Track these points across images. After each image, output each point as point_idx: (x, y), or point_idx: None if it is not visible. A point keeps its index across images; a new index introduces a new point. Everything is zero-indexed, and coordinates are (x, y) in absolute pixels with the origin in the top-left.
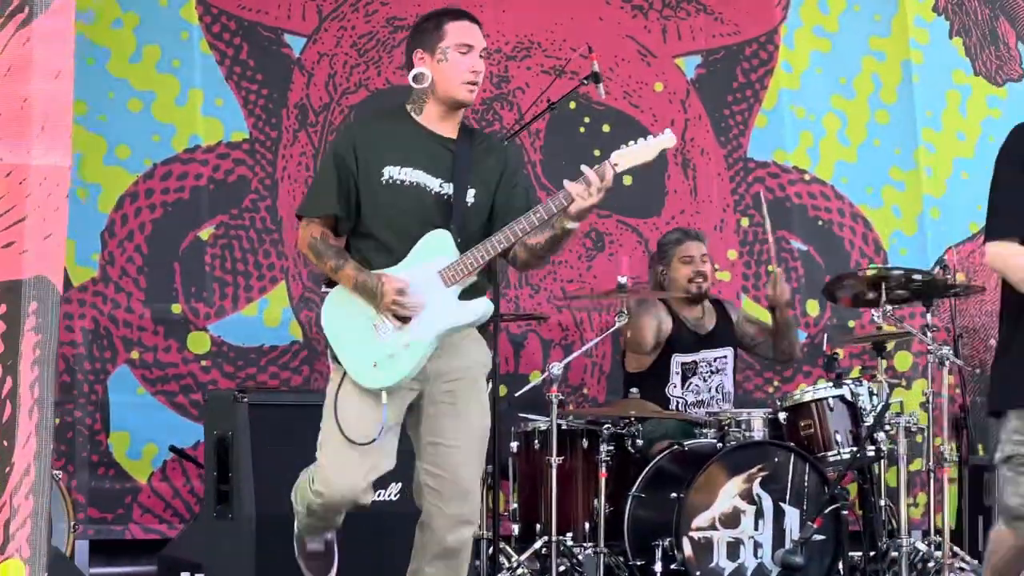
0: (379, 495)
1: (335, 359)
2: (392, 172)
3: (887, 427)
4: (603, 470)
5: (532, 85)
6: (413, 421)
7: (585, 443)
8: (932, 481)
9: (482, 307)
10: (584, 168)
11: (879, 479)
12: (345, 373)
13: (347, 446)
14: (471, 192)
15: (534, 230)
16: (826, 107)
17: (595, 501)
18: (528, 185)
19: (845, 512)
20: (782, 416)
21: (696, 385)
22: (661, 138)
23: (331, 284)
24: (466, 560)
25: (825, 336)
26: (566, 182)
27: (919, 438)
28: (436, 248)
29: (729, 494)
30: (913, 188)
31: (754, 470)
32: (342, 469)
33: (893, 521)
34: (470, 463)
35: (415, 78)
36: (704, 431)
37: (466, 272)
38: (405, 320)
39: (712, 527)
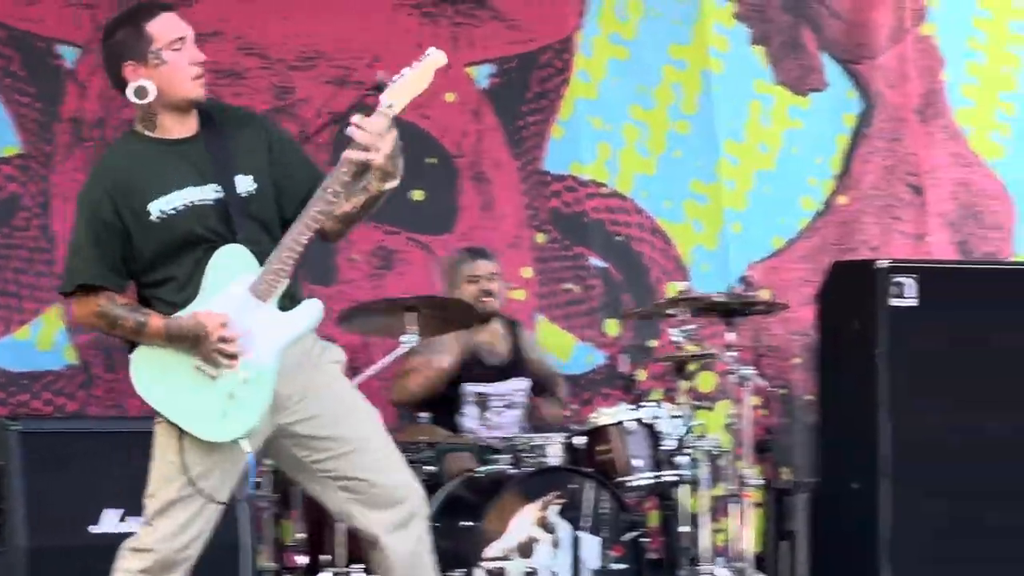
0: None
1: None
2: (160, 205)
3: (689, 450)
4: None
5: (316, 96)
6: (286, 455)
7: None
8: (735, 506)
9: (314, 308)
10: (352, 128)
11: (681, 504)
12: (182, 433)
13: (209, 509)
14: (246, 180)
15: (334, 205)
16: (624, 118)
17: None
18: (304, 152)
19: (645, 539)
20: (580, 440)
21: (491, 420)
22: (428, 59)
23: (133, 347)
24: (430, 554)
25: (624, 357)
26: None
27: (722, 461)
28: (233, 265)
29: (524, 522)
30: (714, 202)
31: (550, 497)
32: (188, 531)
33: (695, 548)
34: (376, 457)
35: (136, 93)
36: (498, 457)
37: (277, 280)
38: (234, 356)
39: (507, 557)
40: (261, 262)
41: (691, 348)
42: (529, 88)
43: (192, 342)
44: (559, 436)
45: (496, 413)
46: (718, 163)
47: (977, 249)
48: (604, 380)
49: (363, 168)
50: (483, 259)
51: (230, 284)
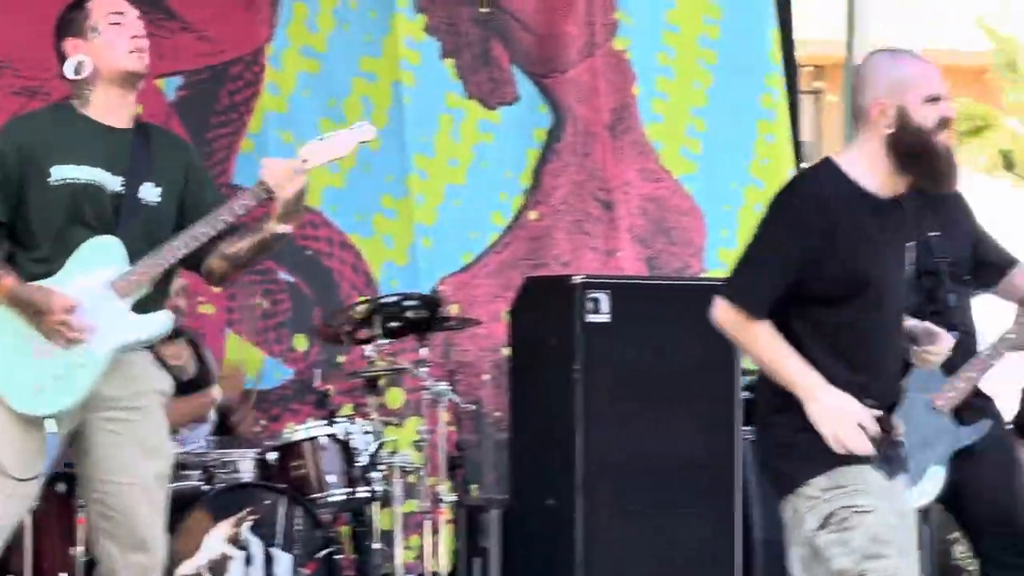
0: None
1: None
2: (64, 171)
3: (381, 467)
4: (81, 516)
5: (2, 108)
6: (78, 452)
7: (62, 487)
8: (428, 523)
9: (160, 321)
10: (265, 169)
11: (374, 521)
12: None
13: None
14: (155, 190)
15: (224, 235)
16: (314, 131)
17: (72, 550)
18: (216, 188)
19: (338, 556)
20: (272, 456)
21: (182, 434)
22: (359, 130)
23: None
24: None
25: (315, 372)
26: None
27: (413, 478)
28: (102, 256)
29: (216, 539)
30: (404, 216)
31: (243, 514)
32: None
33: (388, 564)
34: (149, 504)
35: (74, 69)
36: (188, 473)
37: (140, 282)
38: (72, 340)
39: (198, 575)
40: (132, 264)
41: (382, 363)
42: (219, 101)
43: (34, 314)
44: (251, 452)
45: (189, 429)
46: (408, 177)
47: (667, 265)
48: (294, 395)
49: (263, 203)
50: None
51: (95, 271)
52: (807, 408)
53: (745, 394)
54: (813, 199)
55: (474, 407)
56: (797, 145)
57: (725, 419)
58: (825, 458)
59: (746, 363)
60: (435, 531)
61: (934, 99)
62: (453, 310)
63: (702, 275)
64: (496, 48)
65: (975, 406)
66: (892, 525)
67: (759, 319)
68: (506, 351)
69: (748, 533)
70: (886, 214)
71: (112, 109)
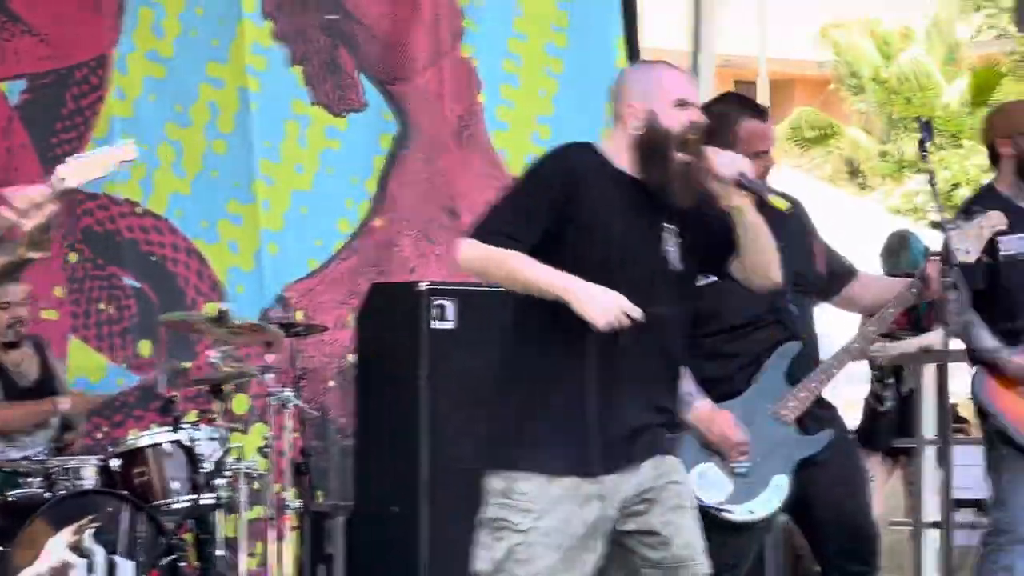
0: None
1: None
2: None
3: (226, 473)
4: None
5: None
6: None
7: None
8: (272, 529)
9: None
10: (14, 198)
11: (219, 528)
12: None
13: None
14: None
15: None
16: (160, 137)
17: None
18: None
19: (182, 564)
20: (116, 463)
21: (21, 441)
22: (120, 149)
23: None
24: None
25: (161, 378)
26: None
27: (258, 485)
28: None
29: (58, 547)
30: (251, 222)
31: (84, 521)
32: None
33: (232, 572)
34: None
35: None
36: (29, 480)
37: None
38: None
39: None
40: None
41: (227, 369)
42: (64, 105)
43: None
44: (94, 458)
45: (27, 433)
46: (254, 183)
47: None
48: (137, 402)
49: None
50: (13, 284)
51: None
52: (569, 299)
53: None
54: (560, 159)
55: (319, 413)
56: None
57: None
58: (508, 456)
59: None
60: (280, 538)
61: (682, 103)
62: (299, 316)
63: None
64: (343, 55)
65: (818, 416)
66: (535, 545)
67: (506, 248)
68: (352, 357)
69: None
70: (634, 190)
71: None
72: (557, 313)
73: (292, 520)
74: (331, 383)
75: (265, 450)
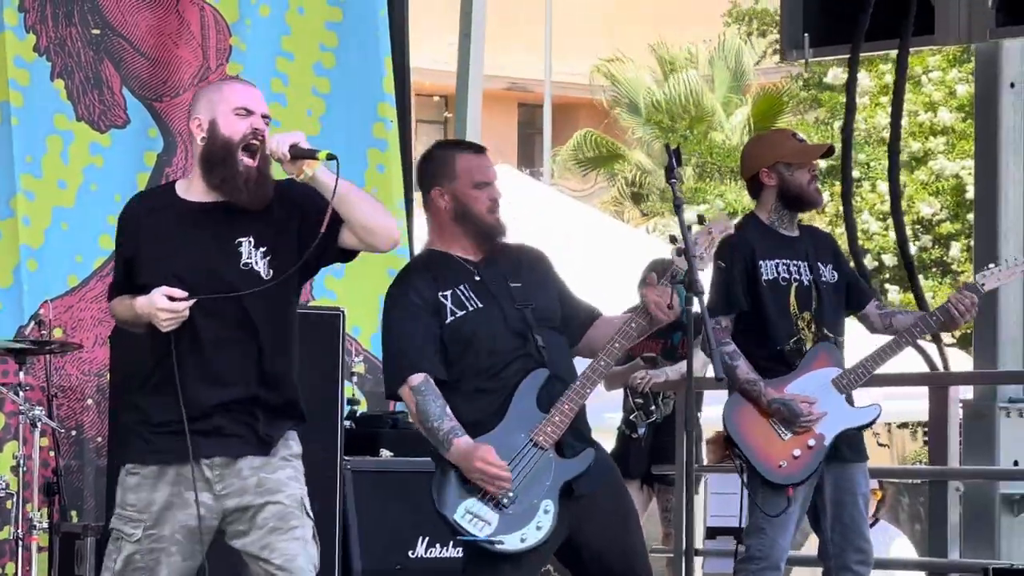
0: None
1: None
2: None
3: None
4: None
5: None
6: None
7: None
8: (21, 549)
9: None
10: None
11: None
12: None
13: None
14: None
15: None
16: None
17: None
18: None
19: None
20: None
21: None
22: None
23: None
24: None
25: None
26: None
27: (9, 504)
28: None
29: None
30: (10, 238)
31: None
32: None
33: None
34: None
35: None
36: None
37: None
38: None
39: None
40: None
41: None
42: None
43: None
44: None
45: None
46: (15, 198)
47: None
48: None
49: None
50: None
51: None
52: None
53: (347, 423)
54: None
55: (75, 432)
56: (408, 174)
57: (330, 449)
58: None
59: (349, 392)
60: (28, 558)
61: (244, 112)
62: (58, 333)
63: (309, 303)
64: (108, 70)
65: (575, 439)
66: (151, 552)
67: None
68: (109, 376)
69: (347, 564)
70: (198, 216)
71: None
72: None
73: (41, 540)
74: (89, 401)
75: (16, 468)
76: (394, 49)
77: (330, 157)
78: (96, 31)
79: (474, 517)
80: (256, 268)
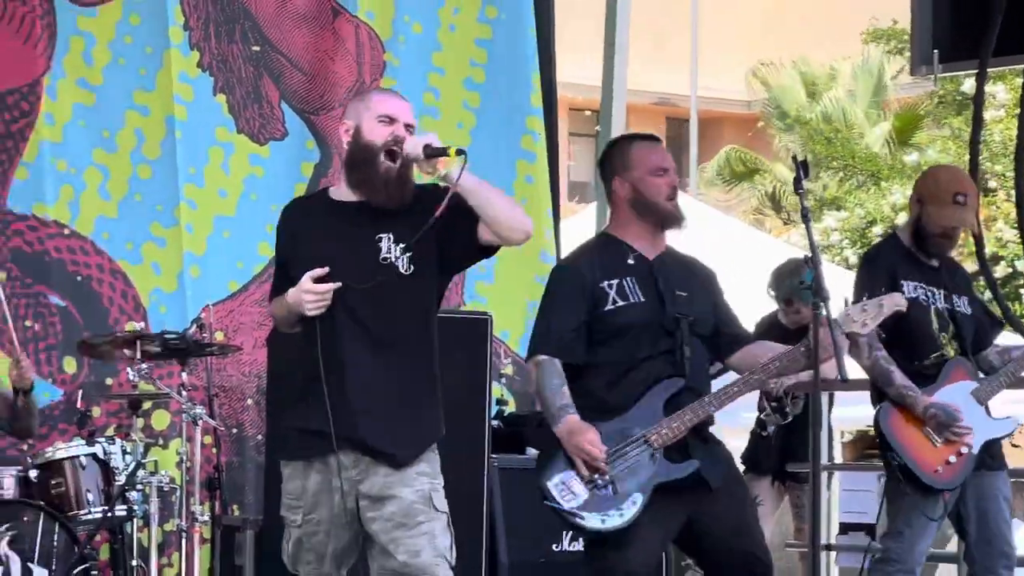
0: None
1: None
2: None
3: (140, 486)
4: None
5: None
6: None
7: None
8: (185, 541)
9: None
10: None
11: (132, 539)
12: None
13: None
14: None
15: None
16: (88, 161)
17: None
18: None
19: (95, 573)
20: (33, 474)
21: None
22: None
23: None
24: None
25: (80, 393)
26: None
27: (173, 498)
28: None
29: None
30: (174, 245)
31: (2, 529)
32: None
33: None
34: None
35: None
36: None
37: None
38: None
39: None
40: None
41: (146, 387)
42: None
43: None
44: (14, 469)
45: None
46: (178, 207)
47: None
48: (62, 415)
49: None
50: None
51: None
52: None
53: (495, 423)
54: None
55: (235, 430)
56: (555, 185)
57: (477, 446)
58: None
59: (497, 393)
60: (191, 549)
61: (388, 120)
62: (219, 336)
63: (461, 308)
64: (267, 85)
65: (692, 448)
66: (314, 534)
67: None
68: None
69: (494, 557)
70: (344, 213)
71: None
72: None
73: (203, 532)
74: (249, 402)
75: (181, 464)
76: (541, 65)
77: (459, 152)
78: (256, 48)
79: (565, 489)
80: (395, 262)
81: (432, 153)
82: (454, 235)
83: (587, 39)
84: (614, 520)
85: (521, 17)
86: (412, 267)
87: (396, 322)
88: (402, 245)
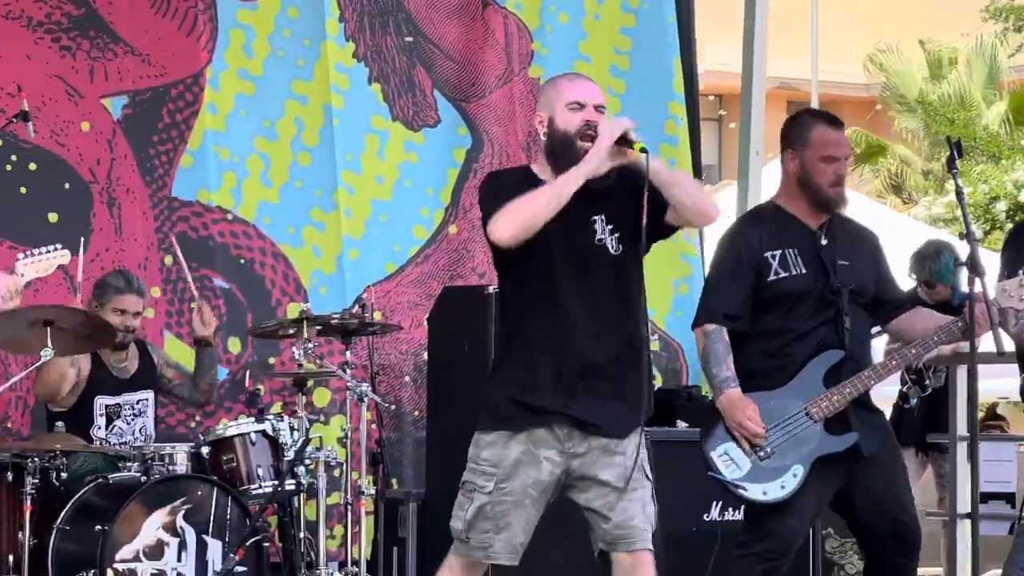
0: None
1: None
2: None
3: (307, 461)
4: (27, 503)
5: None
6: None
7: (10, 476)
8: (349, 514)
9: None
10: None
11: (299, 512)
12: None
13: None
14: None
15: None
16: (250, 149)
17: (20, 534)
18: None
19: (266, 544)
20: (205, 450)
21: (120, 428)
22: (58, 255)
23: None
24: None
25: (247, 372)
26: None
27: (337, 472)
28: None
29: (153, 526)
30: (333, 229)
31: (177, 503)
32: None
33: (312, 553)
34: None
35: None
36: (129, 465)
37: None
38: None
39: (136, 559)
40: None
41: (309, 365)
42: (161, 119)
43: None
44: (186, 446)
45: (125, 422)
46: (337, 192)
47: None
48: (228, 394)
49: None
50: (134, 294)
51: None
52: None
53: None
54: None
55: (395, 406)
56: (697, 168)
57: None
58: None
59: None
60: (356, 522)
61: (576, 106)
62: (377, 316)
63: None
64: (420, 74)
65: (852, 417)
66: (500, 503)
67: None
68: (426, 355)
69: None
70: None
71: None
72: None
73: (367, 505)
74: (407, 378)
75: (344, 440)
76: (682, 52)
77: (642, 151)
78: (409, 39)
79: (729, 460)
80: (607, 243)
81: (622, 141)
82: (653, 218)
83: (703, 27)
84: (775, 492)
85: (662, 5)
86: (620, 247)
87: (608, 300)
88: (611, 227)
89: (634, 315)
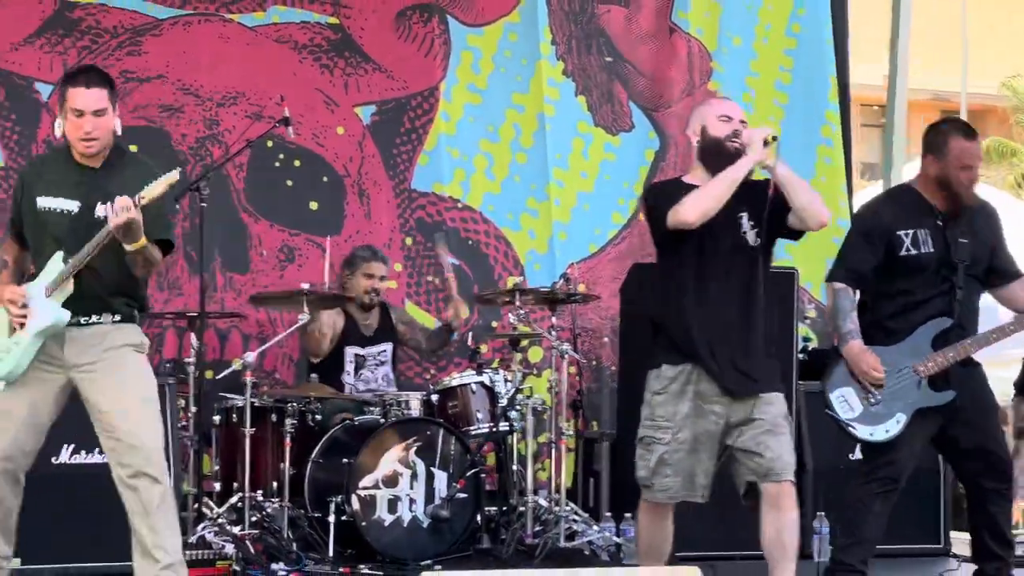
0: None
1: None
2: (43, 202)
3: (519, 407)
4: (288, 440)
5: (237, 127)
6: (84, 400)
7: (274, 417)
8: (554, 451)
9: (56, 313)
10: (109, 204)
11: (512, 449)
12: None
13: None
14: (103, 208)
15: (101, 247)
16: (476, 149)
17: (281, 465)
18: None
19: (484, 475)
20: (435, 398)
21: (366, 376)
22: (169, 176)
23: None
24: (165, 514)
25: (471, 334)
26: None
27: (544, 416)
28: (51, 266)
29: (390, 460)
30: (545, 216)
31: (410, 441)
32: None
33: (522, 482)
34: (131, 419)
35: (55, 128)
36: (371, 409)
37: (63, 283)
38: (19, 320)
39: (376, 486)
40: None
41: (523, 328)
42: (402, 124)
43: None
44: (419, 394)
45: (370, 370)
46: (548, 186)
47: None
48: (456, 352)
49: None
50: (379, 262)
51: (45, 277)
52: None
53: (801, 356)
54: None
55: (594, 362)
56: (848, 166)
57: (787, 376)
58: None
59: (803, 332)
60: (559, 457)
61: (725, 118)
62: (581, 288)
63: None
64: (617, 88)
65: (953, 375)
66: (676, 451)
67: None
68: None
69: (800, 463)
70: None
71: (87, 156)
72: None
73: (568, 443)
74: (605, 340)
75: (551, 390)
76: (837, 69)
77: (773, 138)
78: (608, 59)
79: (844, 401)
80: (747, 237)
81: (766, 144)
82: (779, 217)
83: (875, 48)
84: (880, 435)
85: (820, 29)
86: (758, 240)
87: (752, 285)
88: (752, 222)
89: (758, 296)
